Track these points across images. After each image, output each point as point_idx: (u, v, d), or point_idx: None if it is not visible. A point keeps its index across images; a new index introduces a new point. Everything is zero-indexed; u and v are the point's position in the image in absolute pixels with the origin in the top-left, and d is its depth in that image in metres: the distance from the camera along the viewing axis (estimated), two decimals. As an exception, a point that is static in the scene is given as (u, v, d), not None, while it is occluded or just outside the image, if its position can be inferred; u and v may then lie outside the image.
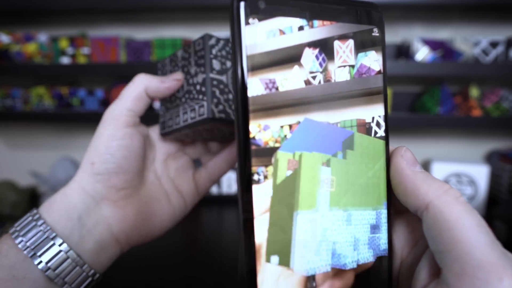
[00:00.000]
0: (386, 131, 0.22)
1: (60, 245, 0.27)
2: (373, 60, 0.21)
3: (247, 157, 0.19)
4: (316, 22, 0.20)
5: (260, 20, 0.18)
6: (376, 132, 0.21)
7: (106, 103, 1.04)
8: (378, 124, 0.21)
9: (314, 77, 0.21)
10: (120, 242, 0.31)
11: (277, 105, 0.20)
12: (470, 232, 0.17)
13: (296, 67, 0.20)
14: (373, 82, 0.21)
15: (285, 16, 0.19)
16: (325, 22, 0.20)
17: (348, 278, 0.20)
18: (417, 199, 0.19)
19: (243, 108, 0.19)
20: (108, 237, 0.30)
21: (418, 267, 0.20)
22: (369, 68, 0.21)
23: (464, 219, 0.17)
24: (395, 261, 0.22)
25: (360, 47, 0.21)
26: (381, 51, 0.21)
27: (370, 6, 0.21)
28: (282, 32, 0.19)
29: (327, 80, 0.20)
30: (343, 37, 0.21)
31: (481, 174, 0.93)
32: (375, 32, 0.21)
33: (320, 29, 0.20)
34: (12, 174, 1.15)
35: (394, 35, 1.01)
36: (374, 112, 0.21)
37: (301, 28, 0.20)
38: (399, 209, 0.22)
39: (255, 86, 0.19)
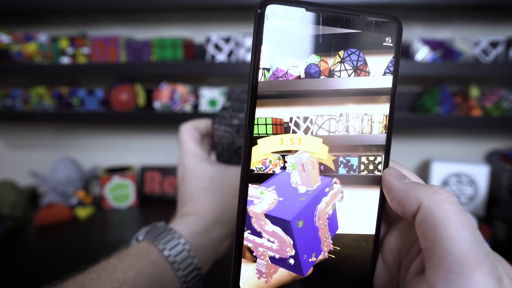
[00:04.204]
0: (388, 143, 0.23)
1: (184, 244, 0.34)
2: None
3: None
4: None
5: (277, 22, 0.21)
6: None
7: (106, 103, 1.04)
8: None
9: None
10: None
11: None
12: (453, 230, 0.17)
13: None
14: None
15: (299, 22, 0.21)
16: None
17: None
18: (411, 205, 0.20)
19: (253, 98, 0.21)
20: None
21: (411, 266, 0.20)
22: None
23: (450, 218, 0.18)
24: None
25: (368, 53, 0.22)
26: (393, 58, 0.23)
27: (387, 17, 0.22)
28: (294, 31, 0.21)
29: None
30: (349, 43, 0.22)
31: (481, 174, 0.93)
32: (387, 42, 0.22)
33: (327, 33, 0.22)
34: (12, 174, 1.15)
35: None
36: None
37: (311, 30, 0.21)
38: (397, 216, 0.23)
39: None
